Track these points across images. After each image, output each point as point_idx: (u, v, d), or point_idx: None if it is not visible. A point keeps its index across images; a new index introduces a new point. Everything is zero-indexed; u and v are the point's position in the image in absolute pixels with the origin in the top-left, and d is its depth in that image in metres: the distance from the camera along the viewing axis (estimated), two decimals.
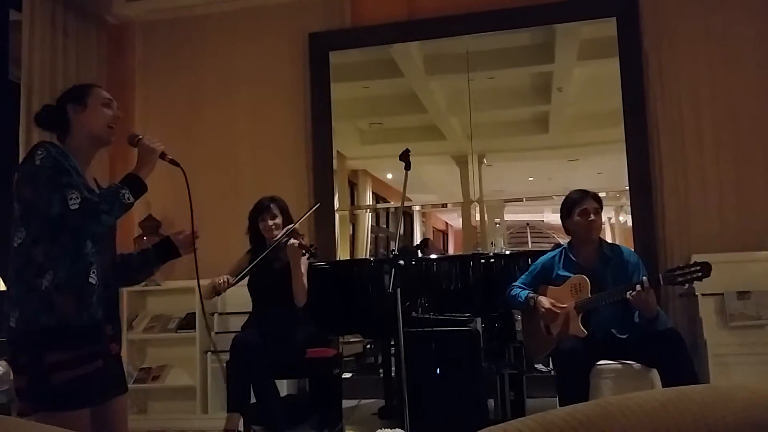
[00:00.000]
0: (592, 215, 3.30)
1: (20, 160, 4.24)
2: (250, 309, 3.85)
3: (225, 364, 3.67)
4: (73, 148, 2.23)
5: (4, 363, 3.70)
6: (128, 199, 2.16)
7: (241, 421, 3.48)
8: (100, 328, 2.17)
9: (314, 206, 4.13)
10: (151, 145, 2.30)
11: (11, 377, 3.65)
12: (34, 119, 2.35)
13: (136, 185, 2.21)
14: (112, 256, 2.34)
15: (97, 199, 2.11)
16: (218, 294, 3.52)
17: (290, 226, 3.64)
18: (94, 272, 2.14)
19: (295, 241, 3.51)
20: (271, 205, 3.74)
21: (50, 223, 2.07)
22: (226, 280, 3.46)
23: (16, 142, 4.38)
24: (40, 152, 2.09)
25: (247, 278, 3.75)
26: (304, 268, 3.57)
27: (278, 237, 3.60)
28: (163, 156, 2.35)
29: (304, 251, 3.50)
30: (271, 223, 3.69)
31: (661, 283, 3.11)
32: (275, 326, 3.55)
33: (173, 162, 2.39)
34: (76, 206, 2.04)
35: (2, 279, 4.55)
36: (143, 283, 5.00)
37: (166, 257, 2.46)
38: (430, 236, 7.36)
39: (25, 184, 2.11)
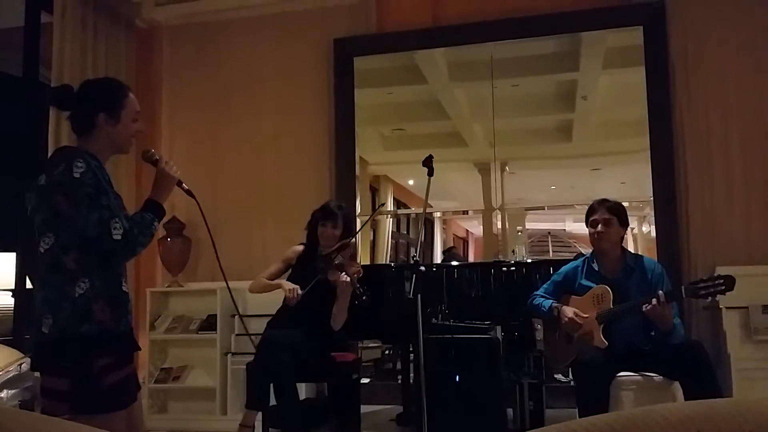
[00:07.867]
0: (599, 226, 3.27)
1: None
2: (270, 312, 3.85)
3: (247, 365, 3.68)
4: (93, 150, 2.19)
5: (27, 360, 3.74)
6: (156, 229, 2.20)
7: (259, 420, 3.49)
8: (132, 331, 2.25)
9: (362, 224, 4.17)
10: (171, 173, 2.29)
11: (35, 374, 3.71)
12: (54, 98, 2.30)
13: (161, 213, 2.23)
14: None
15: (136, 230, 2.11)
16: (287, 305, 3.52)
17: (344, 242, 3.57)
18: (125, 280, 2.21)
19: (349, 278, 3.40)
20: (338, 214, 3.67)
21: (83, 235, 2.05)
22: (297, 295, 3.45)
23: (45, 141, 4.46)
24: (79, 165, 2.05)
25: (286, 273, 3.74)
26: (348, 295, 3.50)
27: (330, 251, 3.53)
28: (179, 184, 2.35)
29: (355, 300, 3.43)
30: (330, 232, 3.65)
31: (684, 295, 3.08)
32: (303, 329, 3.54)
33: (189, 192, 2.39)
34: (119, 237, 2.04)
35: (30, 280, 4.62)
36: (166, 285, 5.08)
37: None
38: (451, 243, 7.33)
39: (59, 194, 2.06)
